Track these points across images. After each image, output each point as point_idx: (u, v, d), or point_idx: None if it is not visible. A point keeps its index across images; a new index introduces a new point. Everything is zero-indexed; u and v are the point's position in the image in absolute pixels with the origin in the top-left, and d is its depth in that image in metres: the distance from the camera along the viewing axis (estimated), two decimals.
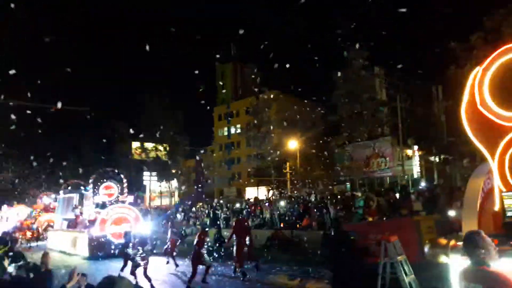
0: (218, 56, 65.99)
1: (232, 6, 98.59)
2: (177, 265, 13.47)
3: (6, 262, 6.13)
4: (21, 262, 6.47)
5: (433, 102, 30.87)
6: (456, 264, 5.44)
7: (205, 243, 10.45)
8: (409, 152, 31.84)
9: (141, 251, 10.57)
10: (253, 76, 56.56)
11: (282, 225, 17.85)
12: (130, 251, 10.77)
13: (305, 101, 43.08)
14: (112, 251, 16.39)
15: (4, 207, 35.09)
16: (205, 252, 10.43)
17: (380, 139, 31.62)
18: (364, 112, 28.77)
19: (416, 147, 31.34)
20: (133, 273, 10.32)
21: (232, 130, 61.08)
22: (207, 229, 11.75)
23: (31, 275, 5.16)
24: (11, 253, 7.09)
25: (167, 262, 14.26)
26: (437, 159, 31.52)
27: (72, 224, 21.37)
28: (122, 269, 11.15)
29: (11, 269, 5.76)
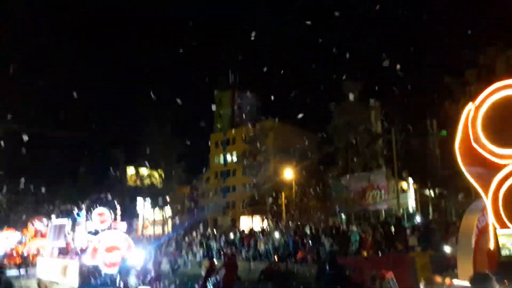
0: (216, 83, 66.93)
1: (232, 33, 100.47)
2: None
3: None
4: None
5: (428, 135, 31.18)
6: None
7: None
8: (404, 185, 31.84)
9: (140, 283, 10.21)
10: (250, 105, 57.31)
11: (276, 258, 17.58)
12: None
13: (302, 130, 43.43)
14: (105, 281, 15.99)
15: None
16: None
17: (375, 171, 31.68)
18: (359, 144, 28.97)
19: (411, 180, 31.37)
20: None
21: (229, 158, 61.04)
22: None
23: None
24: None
25: None
26: (432, 193, 31.51)
27: (63, 252, 20.97)
28: None
29: None
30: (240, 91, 67.45)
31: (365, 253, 11.35)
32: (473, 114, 6.42)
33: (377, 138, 30.45)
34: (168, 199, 48.15)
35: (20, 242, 29.66)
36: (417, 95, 26.79)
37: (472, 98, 6.88)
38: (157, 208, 50.22)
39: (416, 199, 31.23)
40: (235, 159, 57.96)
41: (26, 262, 24.05)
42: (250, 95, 65.56)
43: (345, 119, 28.72)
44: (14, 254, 25.99)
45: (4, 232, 33.26)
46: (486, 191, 6.06)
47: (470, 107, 6.51)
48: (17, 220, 40.08)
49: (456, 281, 5.89)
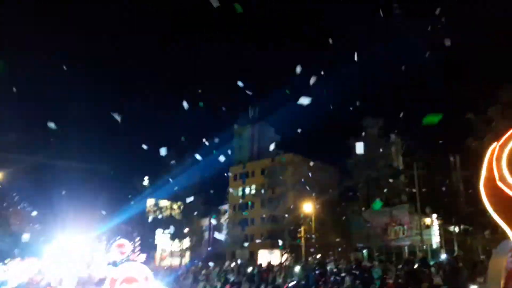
0: (237, 119, 68.07)
1: (248, 69, 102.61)
2: None
3: None
4: None
5: (451, 172, 30.61)
6: None
7: None
8: (427, 221, 31.04)
9: None
10: (269, 139, 57.75)
11: None
12: None
13: (321, 164, 43.22)
14: None
15: (15, 260, 34.80)
16: None
17: (398, 206, 31.08)
18: (380, 179, 28.59)
19: (434, 216, 30.60)
20: None
21: (247, 191, 60.96)
22: None
23: None
24: None
25: None
26: (457, 230, 30.56)
27: (83, 282, 21.05)
28: None
29: None
30: (259, 126, 68.45)
31: None
32: (497, 153, 6.39)
33: (398, 174, 30.03)
34: (186, 230, 48.07)
35: (40, 273, 29.85)
36: (439, 131, 26.60)
37: (496, 135, 6.88)
38: (175, 240, 50.07)
39: (440, 235, 30.33)
40: (253, 191, 57.90)
41: None
42: (270, 129, 66.33)
43: (365, 155, 28.53)
44: (34, 283, 26.15)
45: (26, 261, 33.62)
46: None
47: (494, 145, 6.50)
48: (39, 249, 40.53)
49: None
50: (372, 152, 28.16)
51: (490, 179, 6.52)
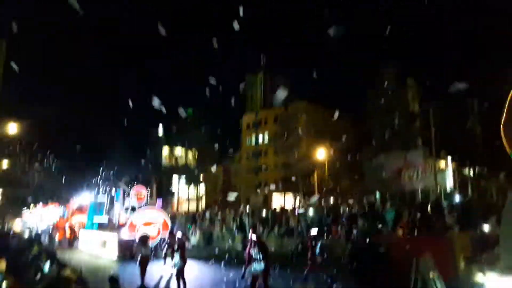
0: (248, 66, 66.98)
1: (263, 14, 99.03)
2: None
3: (42, 264, 6.29)
4: (55, 263, 6.62)
5: (469, 113, 29.88)
6: (492, 282, 5.20)
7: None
8: (442, 164, 30.83)
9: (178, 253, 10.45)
10: (282, 85, 56.75)
11: (309, 235, 17.56)
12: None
13: (335, 110, 42.50)
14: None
15: (39, 206, 36.44)
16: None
17: (412, 150, 30.79)
18: (396, 124, 28.10)
19: (449, 159, 30.32)
20: (178, 276, 10.18)
21: (260, 139, 61.21)
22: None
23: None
24: (45, 253, 7.31)
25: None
26: (471, 172, 30.38)
27: (103, 227, 21.93)
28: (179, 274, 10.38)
29: (47, 267, 5.93)
30: (272, 73, 67.01)
31: (400, 232, 11.11)
32: None
33: (414, 117, 29.40)
34: (201, 177, 49.13)
35: (62, 217, 31.25)
36: (458, 73, 25.63)
37: None
38: (191, 186, 51.36)
39: (454, 179, 30.24)
40: (266, 139, 58.09)
41: (69, 236, 25.34)
42: (282, 77, 64.93)
43: (381, 99, 27.83)
44: (59, 228, 27.42)
45: (49, 207, 35.15)
46: None
47: None
48: (60, 196, 42.20)
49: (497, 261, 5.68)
50: (388, 97, 27.44)
51: (510, 122, 6.23)
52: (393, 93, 27.71)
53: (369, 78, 29.16)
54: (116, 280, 3.98)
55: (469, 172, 30.03)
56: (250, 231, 12.00)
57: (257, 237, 9.47)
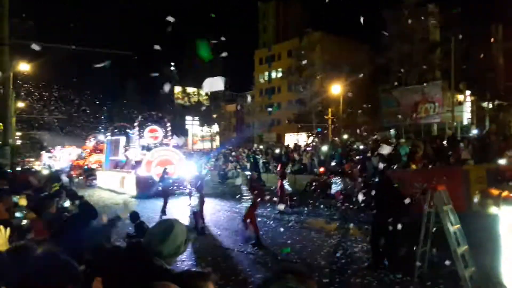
0: None
1: None
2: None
3: (62, 200, 6.42)
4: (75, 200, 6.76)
5: (492, 43, 28.37)
6: (507, 215, 5.12)
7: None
8: (460, 97, 30.01)
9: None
10: (296, 16, 54.23)
11: (322, 170, 17.70)
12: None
13: (352, 42, 40.73)
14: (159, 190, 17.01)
15: (57, 147, 37.43)
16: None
17: (430, 83, 29.82)
18: (415, 54, 26.84)
19: (468, 92, 29.41)
20: (200, 213, 10.44)
21: (273, 75, 59.99)
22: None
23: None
24: (65, 190, 7.48)
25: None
26: (490, 106, 29.57)
27: (120, 165, 22.45)
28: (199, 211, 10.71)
29: (67, 204, 6.06)
30: (284, 2, 63.43)
31: (414, 166, 10.99)
32: None
33: (435, 47, 27.95)
34: (214, 116, 49.16)
35: (80, 157, 32.14)
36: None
37: None
38: (205, 125, 51.65)
39: (472, 112, 29.56)
40: (280, 75, 56.89)
41: (87, 174, 26.15)
42: (296, 6, 61.51)
43: (400, 28, 26.30)
44: (77, 167, 28.29)
45: (66, 149, 36.10)
46: None
47: None
48: (77, 137, 43.15)
49: None
50: (408, 25, 25.86)
51: None
52: (412, 20, 26.09)
53: (388, 5, 27.35)
54: (137, 215, 4.03)
55: (488, 105, 29.22)
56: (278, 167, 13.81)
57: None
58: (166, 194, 12.90)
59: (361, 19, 7.64)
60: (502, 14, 26.46)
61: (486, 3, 24.28)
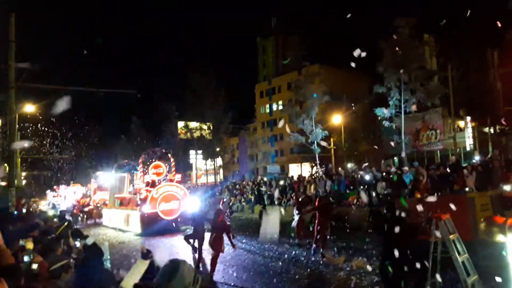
0: (259, 30, 65.16)
1: None
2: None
3: (70, 240, 6.43)
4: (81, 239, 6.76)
5: (488, 69, 28.80)
6: None
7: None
8: (461, 123, 30.15)
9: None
10: (295, 50, 55.45)
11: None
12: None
13: (350, 73, 41.33)
14: (164, 227, 16.94)
15: (62, 186, 37.54)
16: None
17: (430, 110, 30.04)
18: (412, 82, 27.23)
19: (469, 118, 29.56)
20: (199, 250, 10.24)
21: (274, 107, 60.73)
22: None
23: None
24: (71, 230, 7.49)
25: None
26: (491, 130, 29.63)
27: (125, 202, 22.43)
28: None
29: (77, 244, 6.07)
30: (283, 37, 65.13)
31: (418, 195, 11.00)
32: None
33: (432, 75, 28.39)
34: (218, 150, 49.31)
35: (85, 196, 32.18)
36: (476, 25, 24.42)
37: None
38: (208, 159, 51.75)
39: (474, 137, 29.59)
40: (281, 107, 57.54)
41: (92, 213, 26.09)
42: (294, 40, 63.09)
43: (396, 57, 26.83)
44: (82, 206, 28.24)
45: (71, 187, 36.20)
46: None
47: None
48: (82, 176, 43.31)
49: None
50: (404, 54, 26.42)
51: None
52: (408, 47, 26.66)
53: (384, 36, 27.93)
54: (149, 252, 4.03)
55: (489, 130, 29.27)
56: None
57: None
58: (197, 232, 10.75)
59: (357, 52, 7.82)
60: (497, 40, 27.03)
61: (480, 30, 24.81)
